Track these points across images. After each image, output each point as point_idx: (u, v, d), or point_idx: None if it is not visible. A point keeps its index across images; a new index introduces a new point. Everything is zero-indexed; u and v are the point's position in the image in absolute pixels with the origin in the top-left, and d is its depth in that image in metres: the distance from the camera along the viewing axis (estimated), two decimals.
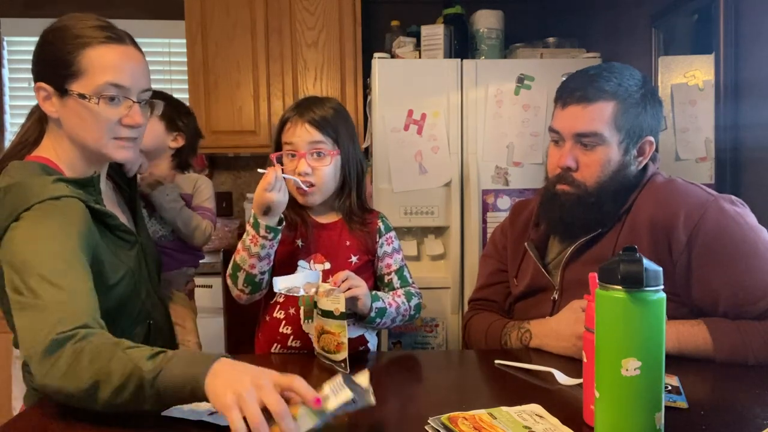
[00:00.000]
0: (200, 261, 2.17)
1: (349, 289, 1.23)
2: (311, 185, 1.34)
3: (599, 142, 1.27)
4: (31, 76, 1.16)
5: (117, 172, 1.33)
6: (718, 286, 1.19)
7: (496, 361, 1.20)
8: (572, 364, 1.16)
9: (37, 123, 1.20)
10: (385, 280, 1.44)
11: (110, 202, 1.25)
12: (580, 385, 1.03)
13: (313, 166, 1.34)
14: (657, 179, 1.32)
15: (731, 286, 1.18)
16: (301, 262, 1.34)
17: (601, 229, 1.31)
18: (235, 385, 0.83)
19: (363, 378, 0.89)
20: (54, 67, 1.11)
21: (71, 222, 1.05)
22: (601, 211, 1.30)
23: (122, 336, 0.96)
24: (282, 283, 1.22)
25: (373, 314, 1.31)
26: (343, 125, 1.38)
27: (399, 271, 1.44)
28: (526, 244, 1.43)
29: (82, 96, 1.10)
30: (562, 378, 1.09)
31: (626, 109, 1.27)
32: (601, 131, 1.26)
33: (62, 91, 1.11)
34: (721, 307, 1.19)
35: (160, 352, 0.91)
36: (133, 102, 1.14)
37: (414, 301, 1.42)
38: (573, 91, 1.29)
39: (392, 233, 1.46)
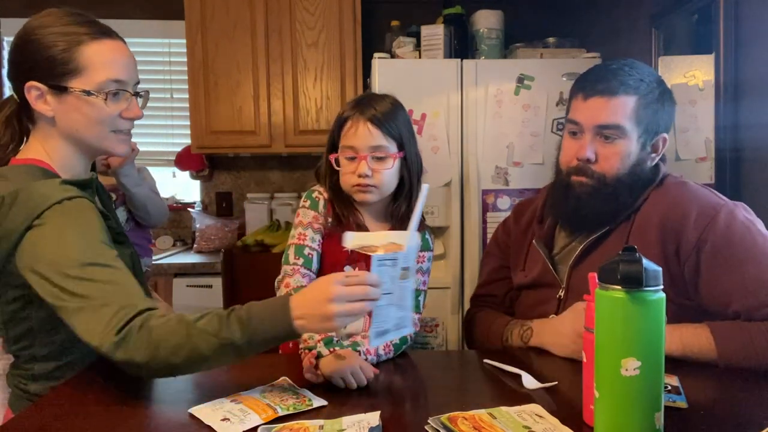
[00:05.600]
0: (194, 261, 2.15)
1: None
2: (371, 186, 1.30)
3: (620, 135, 1.28)
4: None
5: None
6: (729, 289, 1.18)
7: (485, 360, 1.21)
8: (572, 366, 1.16)
9: (6, 123, 1.17)
10: None
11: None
12: (548, 389, 1.04)
13: (373, 169, 1.29)
14: (669, 180, 1.33)
15: (741, 289, 1.17)
16: (347, 268, 1.31)
17: (611, 225, 1.31)
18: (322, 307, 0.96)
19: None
20: (47, 65, 1.10)
21: (90, 218, 1.07)
22: (616, 204, 1.30)
23: None
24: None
25: None
26: (404, 123, 1.35)
27: (415, 294, 1.34)
28: (534, 241, 1.43)
29: (87, 93, 1.11)
30: (529, 382, 1.07)
31: (647, 105, 1.28)
32: (623, 124, 1.27)
33: (59, 89, 1.11)
34: (732, 309, 1.18)
35: (231, 314, 0.98)
36: (131, 95, 1.16)
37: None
38: (595, 83, 1.30)
39: (428, 254, 1.40)
